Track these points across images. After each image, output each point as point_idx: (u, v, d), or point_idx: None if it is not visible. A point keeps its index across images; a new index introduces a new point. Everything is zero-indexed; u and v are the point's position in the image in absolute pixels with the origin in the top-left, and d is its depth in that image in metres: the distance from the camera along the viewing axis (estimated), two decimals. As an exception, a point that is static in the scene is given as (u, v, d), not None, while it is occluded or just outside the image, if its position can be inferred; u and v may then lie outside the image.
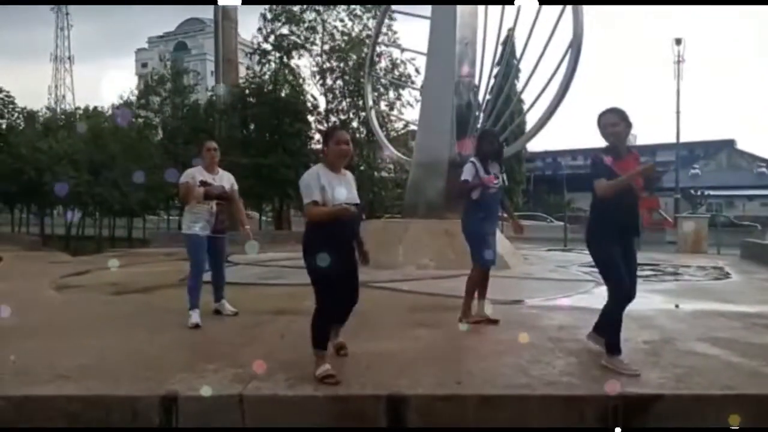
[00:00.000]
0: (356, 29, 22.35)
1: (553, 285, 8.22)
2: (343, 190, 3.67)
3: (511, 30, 11.81)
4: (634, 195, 3.87)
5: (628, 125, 3.88)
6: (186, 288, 5.32)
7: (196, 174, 5.32)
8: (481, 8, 11.82)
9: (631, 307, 5.88)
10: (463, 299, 5.26)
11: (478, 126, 11.52)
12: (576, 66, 10.10)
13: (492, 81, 12.14)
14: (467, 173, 5.08)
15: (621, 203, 3.82)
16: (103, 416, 3.19)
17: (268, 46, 22.27)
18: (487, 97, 12.19)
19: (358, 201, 3.78)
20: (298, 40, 22.00)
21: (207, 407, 3.22)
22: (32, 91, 68.43)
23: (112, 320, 5.48)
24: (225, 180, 5.45)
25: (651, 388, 3.43)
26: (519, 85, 14.78)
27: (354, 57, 21.49)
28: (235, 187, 5.49)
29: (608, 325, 3.95)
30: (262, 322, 5.19)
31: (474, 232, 5.19)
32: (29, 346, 4.33)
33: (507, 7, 11.21)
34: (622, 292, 3.88)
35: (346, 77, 21.63)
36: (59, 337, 4.67)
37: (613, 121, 3.86)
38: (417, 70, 20.64)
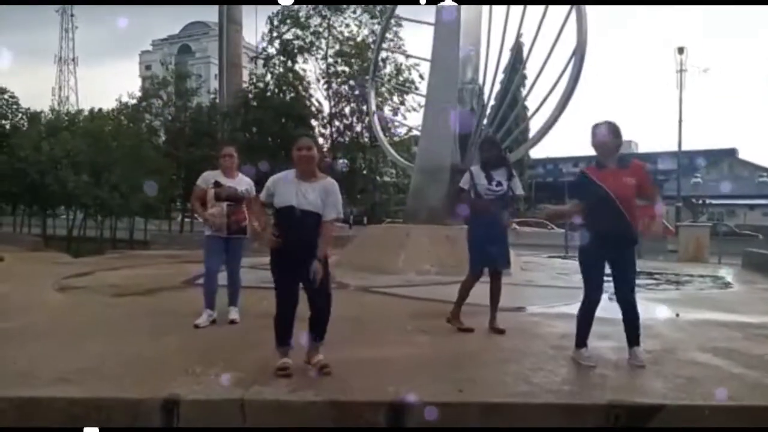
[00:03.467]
0: (364, 32, 22.40)
1: (554, 292, 8.20)
2: (292, 195, 3.69)
3: (520, 34, 11.80)
4: (615, 208, 4.00)
5: (617, 139, 4.13)
6: (201, 290, 5.48)
7: (210, 178, 5.44)
8: (485, 15, 11.85)
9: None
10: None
11: (481, 132, 11.54)
12: (580, 73, 10.13)
13: (496, 87, 12.16)
14: (463, 181, 5.25)
15: (601, 217, 4.05)
16: (105, 419, 3.19)
17: (273, 50, 22.33)
18: (492, 103, 12.20)
19: (312, 209, 3.68)
20: (304, 44, 22.05)
21: (208, 411, 3.23)
22: (36, 92, 68.65)
23: (114, 322, 5.49)
24: (242, 184, 5.48)
25: (653, 398, 3.43)
26: (523, 91, 14.79)
27: (359, 62, 21.53)
28: (252, 192, 5.47)
29: (577, 321, 4.25)
30: (264, 326, 5.14)
31: (471, 238, 5.26)
32: (31, 348, 4.34)
33: (511, 13, 11.25)
34: (588, 296, 4.17)
35: (351, 82, 21.68)
36: (61, 339, 4.67)
37: (603, 133, 4.12)
38: (421, 76, 20.68)
